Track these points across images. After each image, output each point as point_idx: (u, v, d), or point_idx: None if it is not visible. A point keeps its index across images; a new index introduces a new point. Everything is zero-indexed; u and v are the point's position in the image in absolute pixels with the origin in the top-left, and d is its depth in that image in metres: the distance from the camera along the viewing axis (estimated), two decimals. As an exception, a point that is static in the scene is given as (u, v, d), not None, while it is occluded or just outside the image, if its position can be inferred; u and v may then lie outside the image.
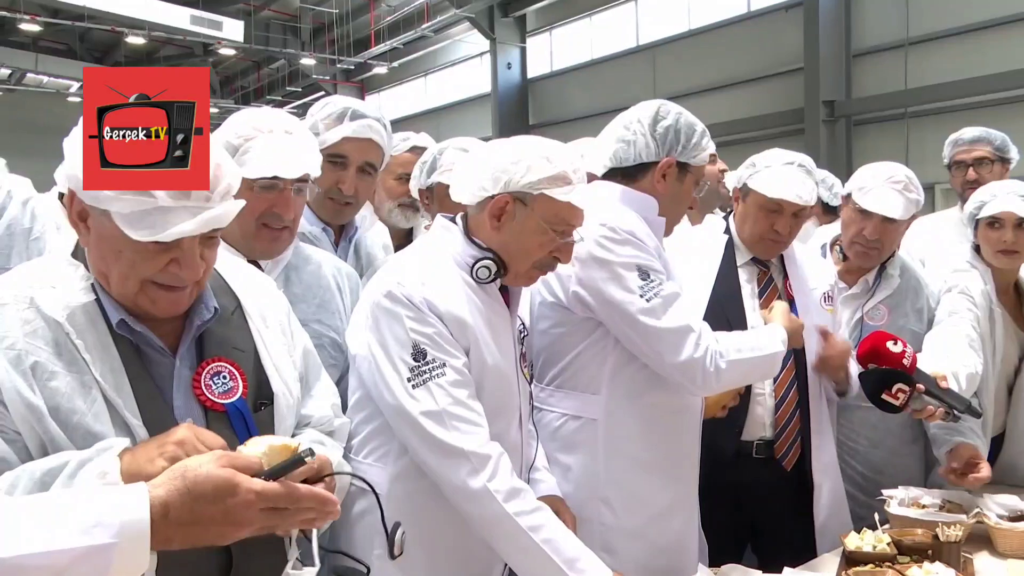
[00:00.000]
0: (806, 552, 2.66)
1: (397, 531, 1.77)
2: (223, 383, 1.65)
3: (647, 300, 2.24)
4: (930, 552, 2.49)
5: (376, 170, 2.65)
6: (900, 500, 2.76)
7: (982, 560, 2.56)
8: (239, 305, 1.75)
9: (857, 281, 3.11)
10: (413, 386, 1.93)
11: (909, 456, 3.03)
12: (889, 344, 2.52)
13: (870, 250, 3.00)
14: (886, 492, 2.80)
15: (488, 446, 1.94)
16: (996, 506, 2.73)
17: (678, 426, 2.46)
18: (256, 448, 1.40)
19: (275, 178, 2.08)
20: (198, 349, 1.66)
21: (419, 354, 1.94)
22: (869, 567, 2.40)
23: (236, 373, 1.67)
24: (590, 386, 2.39)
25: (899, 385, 2.48)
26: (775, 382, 2.74)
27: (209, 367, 1.64)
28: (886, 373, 2.50)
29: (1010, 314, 3.04)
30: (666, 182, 2.43)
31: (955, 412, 2.53)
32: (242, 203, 1.56)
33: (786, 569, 2.34)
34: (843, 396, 2.88)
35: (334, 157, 2.53)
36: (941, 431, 2.84)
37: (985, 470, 2.71)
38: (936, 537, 2.49)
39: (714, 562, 2.49)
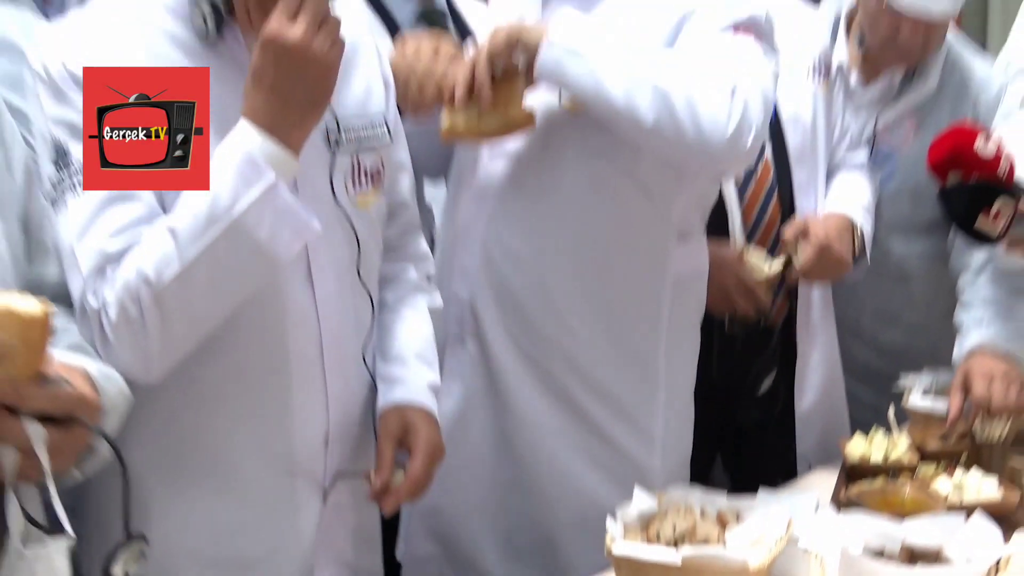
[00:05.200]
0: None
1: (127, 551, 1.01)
2: None
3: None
4: (964, 458, 1.83)
5: None
6: (925, 388, 2.07)
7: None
8: None
9: (878, 76, 2.24)
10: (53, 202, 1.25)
11: (940, 334, 2.15)
12: (979, 144, 1.69)
13: (910, 52, 2.15)
14: (905, 378, 2.10)
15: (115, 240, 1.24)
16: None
17: None
18: None
19: None
20: None
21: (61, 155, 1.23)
22: (879, 481, 1.75)
23: None
24: None
25: (1001, 202, 1.66)
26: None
27: None
28: (981, 188, 1.69)
29: None
30: None
31: None
32: None
33: (762, 489, 1.70)
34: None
35: None
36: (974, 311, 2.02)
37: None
38: (972, 438, 1.82)
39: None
